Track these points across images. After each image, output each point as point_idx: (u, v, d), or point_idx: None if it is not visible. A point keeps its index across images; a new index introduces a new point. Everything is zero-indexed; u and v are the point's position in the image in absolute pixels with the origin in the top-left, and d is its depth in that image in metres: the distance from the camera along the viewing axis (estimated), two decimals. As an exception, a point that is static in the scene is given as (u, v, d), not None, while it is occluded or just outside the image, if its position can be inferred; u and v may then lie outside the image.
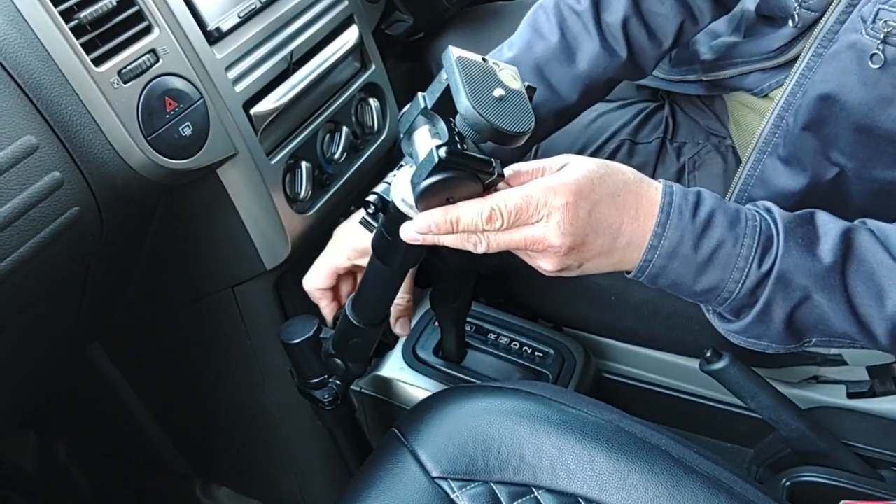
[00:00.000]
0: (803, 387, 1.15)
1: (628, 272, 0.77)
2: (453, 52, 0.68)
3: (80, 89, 0.82)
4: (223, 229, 1.01)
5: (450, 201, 0.72)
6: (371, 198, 0.79)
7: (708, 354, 1.03)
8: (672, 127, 1.23)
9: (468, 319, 1.18)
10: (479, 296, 1.31)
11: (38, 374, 1.10)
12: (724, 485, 0.82)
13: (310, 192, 1.04)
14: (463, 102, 0.65)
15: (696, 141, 1.21)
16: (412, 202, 0.72)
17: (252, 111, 0.96)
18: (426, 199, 0.71)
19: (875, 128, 0.84)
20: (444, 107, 0.69)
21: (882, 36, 0.80)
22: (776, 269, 0.72)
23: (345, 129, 1.11)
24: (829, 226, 0.74)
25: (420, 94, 0.72)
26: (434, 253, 0.98)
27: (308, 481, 1.33)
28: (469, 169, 0.69)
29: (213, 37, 0.93)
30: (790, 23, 0.96)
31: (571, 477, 0.84)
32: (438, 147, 0.68)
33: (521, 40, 1.03)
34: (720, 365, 1.02)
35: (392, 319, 0.98)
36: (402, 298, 0.97)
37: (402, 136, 0.75)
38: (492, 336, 1.19)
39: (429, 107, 0.71)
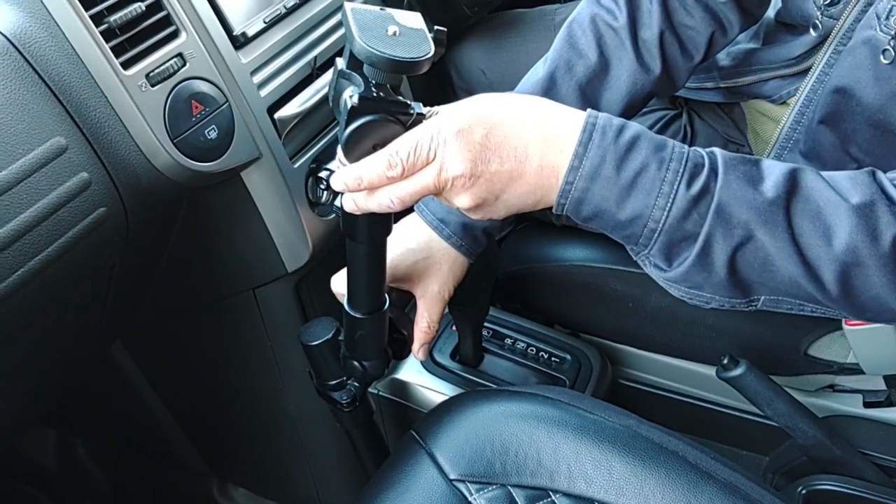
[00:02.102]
0: (819, 395, 1.15)
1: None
2: (346, 6, 0.70)
3: (109, 92, 0.83)
4: (246, 232, 1.02)
5: (376, 149, 0.72)
6: (323, 174, 0.79)
7: (725, 361, 1.03)
8: (690, 134, 1.23)
9: (485, 324, 1.18)
10: (495, 301, 1.32)
11: (61, 373, 1.12)
12: (740, 491, 0.81)
13: (331, 196, 1.06)
14: (355, 43, 0.66)
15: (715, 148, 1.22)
16: (345, 159, 0.73)
17: (276, 115, 0.97)
18: (351, 149, 0.71)
19: (889, 124, 0.83)
20: (357, 64, 0.70)
21: (894, 32, 0.80)
22: (715, 200, 0.69)
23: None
24: (773, 166, 0.71)
25: (336, 59, 0.74)
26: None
27: (325, 483, 1.34)
28: (384, 111, 0.70)
29: (239, 41, 0.94)
30: (812, 31, 0.96)
31: (589, 481, 0.84)
32: (351, 96, 0.69)
33: (559, 56, 1.02)
34: (737, 372, 1.02)
35: (416, 345, 0.96)
36: (429, 327, 0.95)
37: (331, 105, 0.76)
38: (508, 341, 1.20)
39: (344, 68, 0.72)
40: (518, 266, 1.25)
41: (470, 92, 1.24)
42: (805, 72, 1.00)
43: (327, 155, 1.05)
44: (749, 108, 1.16)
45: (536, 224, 1.27)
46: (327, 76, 1.04)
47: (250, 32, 0.95)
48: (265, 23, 0.97)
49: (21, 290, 0.77)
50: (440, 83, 1.50)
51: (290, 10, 1.01)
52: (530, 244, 1.26)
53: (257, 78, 0.96)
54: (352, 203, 0.75)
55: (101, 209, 0.83)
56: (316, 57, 1.03)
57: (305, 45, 1.03)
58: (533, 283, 1.26)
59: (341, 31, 1.08)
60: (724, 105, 1.23)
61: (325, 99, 1.03)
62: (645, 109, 1.29)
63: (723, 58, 1.14)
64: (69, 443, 1.51)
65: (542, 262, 1.23)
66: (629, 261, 1.13)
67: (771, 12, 1.09)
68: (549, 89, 1.00)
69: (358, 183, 0.72)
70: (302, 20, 1.02)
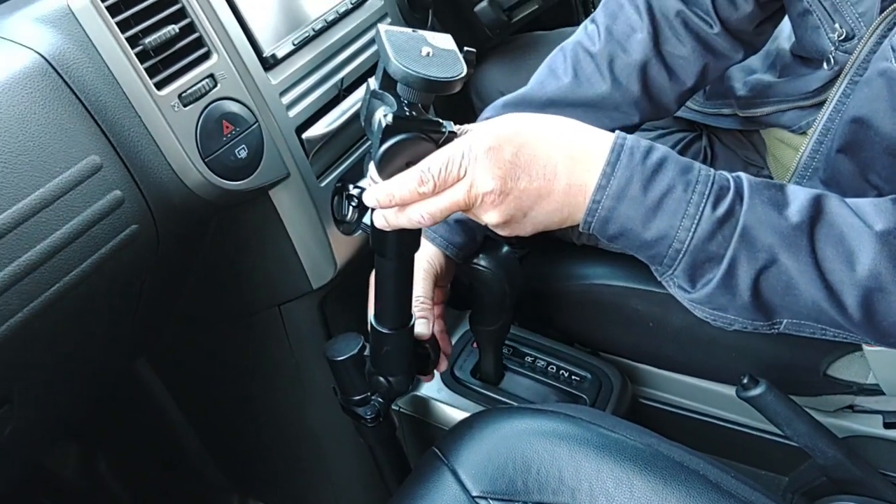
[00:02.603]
0: (839, 416, 1.15)
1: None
2: (381, 28, 0.72)
3: (143, 112, 0.85)
4: (273, 249, 1.04)
5: (409, 167, 0.74)
6: (354, 191, 0.80)
7: (745, 381, 1.03)
8: (710, 157, 1.24)
9: (505, 342, 1.19)
10: (515, 319, 1.33)
11: (88, 387, 1.13)
12: (761, 510, 0.82)
13: (356, 215, 1.07)
14: (391, 64, 0.68)
15: (734, 171, 1.22)
16: (377, 177, 0.75)
17: (304, 135, 0.99)
18: (384, 167, 0.73)
19: None
20: (390, 84, 0.72)
21: None
22: (740, 223, 0.69)
23: (369, 155, 1.13)
24: (798, 192, 0.72)
25: (369, 80, 0.76)
26: (475, 276, 1.01)
27: (346, 499, 1.35)
28: (417, 129, 0.72)
29: (269, 63, 0.96)
30: (825, 65, 0.97)
31: (610, 499, 0.84)
32: (385, 115, 0.71)
33: (536, 79, 1.05)
34: (757, 391, 1.02)
35: (417, 326, 0.95)
36: (418, 299, 0.96)
37: (363, 125, 0.77)
38: (529, 359, 1.20)
39: (377, 88, 0.74)
40: (539, 285, 1.26)
41: (489, 113, 1.26)
42: (822, 103, 1.01)
43: (353, 174, 1.07)
44: (768, 135, 1.16)
45: (557, 243, 1.28)
46: (354, 97, 1.06)
47: (280, 54, 0.97)
48: (294, 45, 0.99)
49: (56, 305, 0.79)
50: (460, 104, 1.51)
51: (318, 33, 1.03)
52: (551, 263, 1.27)
53: (286, 99, 0.98)
54: (382, 219, 0.76)
55: (134, 226, 0.85)
56: (343, 79, 1.05)
57: (332, 66, 1.05)
58: (553, 302, 1.27)
59: (367, 54, 1.10)
60: (743, 130, 1.24)
61: (351, 119, 1.05)
62: (664, 131, 1.30)
63: (739, 87, 1.15)
64: (91, 456, 1.52)
65: (562, 280, 1.24)
66: (650, 280, 1.14)
67: (786, 44, 1.09)
68: (518, 104, 1.03)
69: (390, 199, 0.73)
70: (329, 42, 1.04)
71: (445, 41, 0.73)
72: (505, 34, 1.47)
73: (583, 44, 1.04)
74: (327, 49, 1.04)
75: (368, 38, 1.10)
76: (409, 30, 0.73)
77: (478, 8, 1.38)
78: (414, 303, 0.94)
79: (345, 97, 1.06)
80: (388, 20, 1.14)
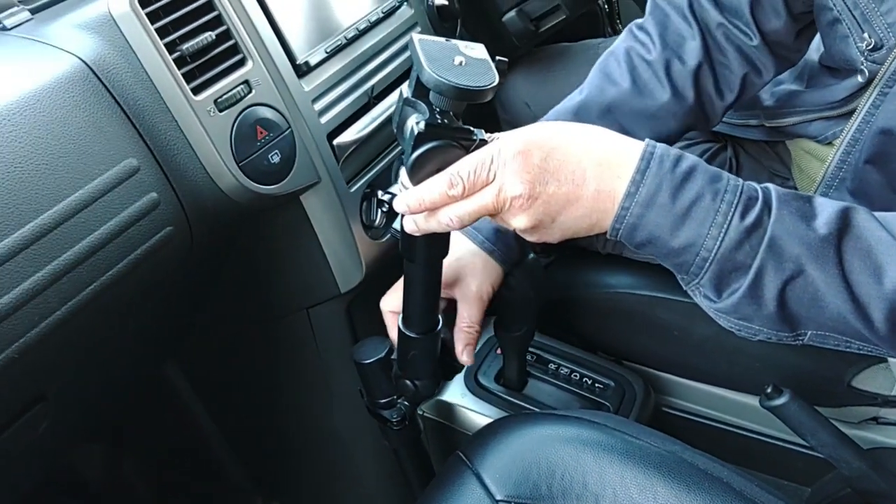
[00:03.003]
0: (863, 427, 1.15)
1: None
2: (415, 37, 0.73)
3: (179, 116, 0.87)
4: (302, 253, 1.05)
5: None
6: (385, 197, 0.81)
7: (769, 390, 1.03)
8: (736, 167, 1.25)
9: (529, 349, 1.19)
10: (539, 326, 1.33)
11: (119, 387, 1.15)
12: (785, 519, 0.82)
13: (384, 220, 1.09)
14: (424, 72, 0.70)
15: (760, 182, 1.22)
16: (408, 183, 0.76)
17: (335, 141, 1.01)
18: (416, 173, 0.74)
19: None
20: (423, 92, 0.74)
21: None
22: (768, 233, 0.70)
23: (400, 161, 1.14)
24: (826, 204, 0.72)
25: (401, 87, 0.77)
26: (501, 282, 1.02)
27: (370, 502, 1.36)
28: (448, 137, 0.73)
29: (302, 70, 0.98)
30: (859, 77, 0.97)
31: (634, 505, 0.85)
32: (417, 123, 0.72)
33: (592, 85, 1.05)
34: (781, 401, 1.02)
35: (458, 346, 0.99)
36: (470, 327, 0.98)
37: (395, 132, 0.79)
38: (552, 366, 1.21)
39: (409, 96, 0.75)
40: (563, 292, 1.27)
41: (514, 124, 1.27)
42: (849, 114, 1.01)
43: (382, 180, 1.08)
44: (794, 146, 1.16)
45: (581, 251, 1.29)
46: (384, 104, 1.08)
47: (313, 62, 0.99)
48: (326, 53, 1.01)
49: (92, 304, 0.81)
50: (485, 114, 1.53)
51: (350, 41, 1.04)
52: (575, 271, 1.28)
53: (318, 105, 0.99)
54: (412, 224, 0.78)
55: (169, 228, 0.87)
56: (373, 86, 1.07)
57: (363, 74, 1.06)
58: (577, 310, 1.27)
59: (397, 62, 1.11)
60: (768, 141, 1.24)
61: (380, 126, 1.06)
62: (690, 141, 1.30)
63: (766, 98, 1.15)
64: (116, 457, 1.54)
65: (587, 289, 1.25)
66: (675, 290, 1.14)
67: (814, 55, 1.09)
68: (579, 112, 1.03)
69: (419, 203, 0.74)
70: (361, 50, 1.06)
71: (478, 50, 0.75)
72: (532, 44, 1.48)
73: (636, 50, 1.03)
74: (359, 57, 1.06)
75: (399, 47, 1.12)
76: (443, 39, 0.75)
77: (506, 17, 1.39)
78: (464, 328, 0.96)
79: (375, 104, 1.07)
80: (418, 29, 1.16)
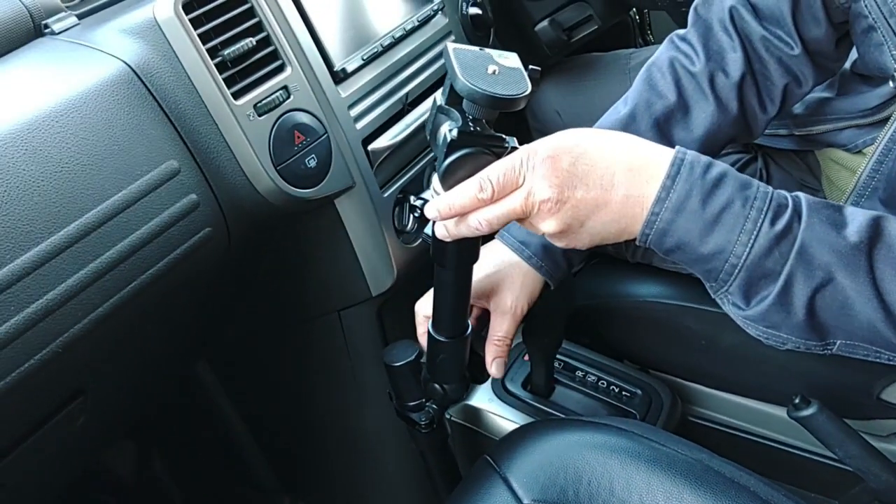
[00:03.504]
0: (892, 440, 1.14)
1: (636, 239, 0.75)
2: (449, 46, 0.75)
3: (220, 120, 0.89)
4: (335, 256, 1.07)
5: None
6: (417, 202, 0.82)
7: (796, 401, 1.03)
8: (766, 178, 1.25)
9: (557, 356, 1.20)
10: (567, 334, 1.34)
11: (153, 385, 1.17)
12: (812, 529, 0.82)
13: (416, 225, 1.10)
14: (458, 80, 0.71)
15: (791, 192, 1.22)
16: (440, 189, 0.77)
17: (370, 147, 1.03)
18: (448, 179, 0.76)
19: None
20: (456, 100, 0.75)
21: None
22: (798, 240, 0.70)
23: (433, 168, 1.16)
24: (856, 213, 0.72)
25: (435, 95, 0.79)
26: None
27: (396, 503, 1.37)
28: (480, 144, 0.74)
29: (339, 77, 1.00)
30: (892, 84, 0.97)
31: (660, 512, 0.85)
32: (450, 130, 0.74)
33: (638, 97, 1.05)
34: (809, 412, 1.01)
35: (489, 359, 0.99)
36: (501, 340, 0.98)
37: (428, 138, 0.80)
38: (579, 373, 1.21)
39: (443, 104, 0.76)
40: (591, 300, 1.27)
41: (544, 132, 1.27)
42: (881, 122, 1.00)
43: (415, 185, 1.10)
44: (823, 156, 1.16)
45: (610, 260, 1.29)
46: (417, 111, 1.09)
47: (349, 68, 1.01)
48: (363, 60, 1.03)
49: (132, 302, 0.83)
50: (516, 123, 1.54)
51: (386, 49, 1.06)
52: (603, 279, 1.28)
53: (354, 111, 1.01)
54: (443, 229, 0.79)
55: (207, 229, 0.89)
56: (407, 93, 1.09)
57: (398, 81, 1.08)
58: (605, 318, 1.28)
59: (431, 70, 1.13)
60: (798, 151, 1.24)
61: (414, 133, 1.08)
62: (721, 153, 1.30)
63: (797, 106, 1.14)
64: (147, 455, 1.56)
65: (614, 297, 1.25)
66: (703, 299, 1.15)
67: (846, 63, 1.09)
68: (629, 125, 1.03)
69: (450, 208, 0.75)
70: (396, 58, 1.08)
71: (511, 60, 0.76)
72: (562, 54, 1.49)
73: (680, 61, 1.03)
74: (394, 65, 1.08)
75: (433, 55, 1.14)
76: (477, 48, 0.76)
77: (538, 27, 1.40)
78: (496, 341, 0.97)
79: (409, 111, 1.09)
80: (452, 38, 1.18)
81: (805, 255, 0.70)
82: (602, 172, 0.73)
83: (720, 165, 0.74)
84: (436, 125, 0.78)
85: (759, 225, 0.71)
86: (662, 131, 1.02)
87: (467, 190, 0.74)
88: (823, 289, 0.70)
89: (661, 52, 1.07)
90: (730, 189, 0.72)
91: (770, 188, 0.73)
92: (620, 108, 1.05)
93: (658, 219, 0.73)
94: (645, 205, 0.73)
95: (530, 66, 0.76)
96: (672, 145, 0.95)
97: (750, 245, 0.71)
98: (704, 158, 0.74)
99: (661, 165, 0.73)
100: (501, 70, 0.74)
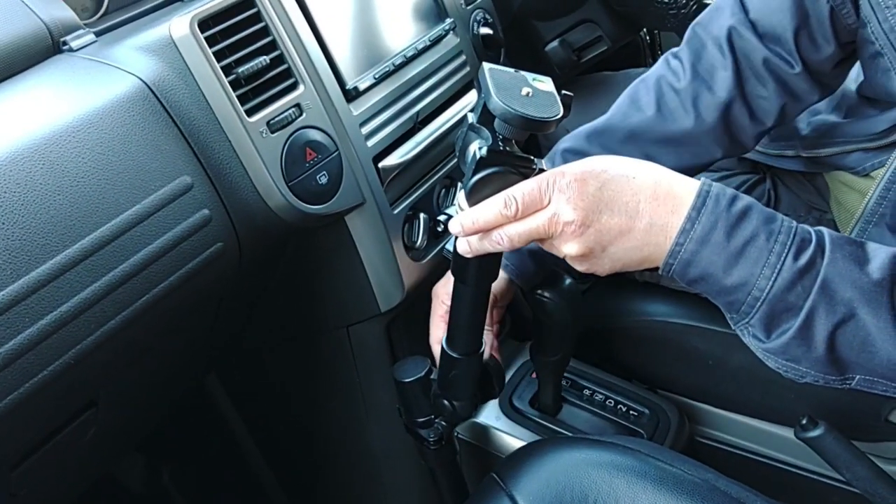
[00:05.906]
0: (900, 464, 1.14)
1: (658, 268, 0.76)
2: (485, 66, 0.76)
3: (233, 136, 0.90)
4: (345, 272, 1.08)
5: None
6: (441, 217, 0.83)
7: (804, 422, 1.02)
8: (774, 200, 1.25)
9: (564, 374, 1.20)
10: (575, 352, 1.34)
11: (163, 398, 1.18)
12: (818, 550, 0.82)
13: (425, 242, 1.11)
14: (492, 100, 0.72)
15: (798, 214, 1.22)
16: (466, 205, 0.78)
17: (380, 164, 1.03)
18: (474, 196, 0.77)
19: None
20: (488, 119, 0.76)
21: None
22: (821, 275, 0.70)
23: (459, 185, 1.17)
24: (879, 249, 0.72)
25: (467, 113, 0.80)
26: (538, 306, 1.03)
27: (403, 520, 1.37)
28: (509, 164, 0.75)
29: (351, 95, 1.01)
30: None
31: (666, 532, 0.85)
32: (480, 148, 0.75)
33: (617, 109, 1.07)
34: (816, 433, 1.01)
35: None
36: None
37: (457, 155, 0.81)
38: (587, 392, 1.21)
39: (475, 122, 0.78)
40: (599, 319, 1.28)
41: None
42: (889, 146, 1.01)
43: (424, 202, 1.11)
44: (832, 178, 1.16)
45: (618, 279, 1.30)
46: (428, 129, 1.10)
47: (361, 87, 1.02)
48: (375, 78, 1.04)
49: (144, 315, 0.83)
50: (526, 141, 1.54)
51: (398, 68, 1.07)
52: (612, 298, 1.28)
53: (365, 129, 1.02)
54: (465, 245, 0.80)
55: (219, 244, 0.90)
56: (418, 112, 1.10)
57: (409, 100, 1.09)
58: (613, 337, 1.28)
59: (442, 89, 1.14)
60: (806, 173, 1.24)
61: (424, 150, 1.09)
62: (728, 172, 1.31)
63: (804, 128, 1.15)
64: (156, 468, 1.57)
65: (623, 316, 1.25)
66: (711, 318, 1.15)
67: (853, 86, 1.09)
68: (602, 134, 1.05)
69: (474, 223, 0.76)
70: (407, 77, 1.09)
71: (546, 84, 0.77)
72: (573, 74, 1.50)
73: (667, 78, 1.05)
74: (405, 83, 1.09)
75: (444, 74, 1.15)
76: (512, 70, 0.77)
77: (549, 47, 1.41)
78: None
79: (420, 129, 1.10)
80: (464, 57, 1.19)
81: (827, 290, 0.70)
82: (628, 199, 0.73)
83: (745, 199, 0.74)
84: (466, 142, 0.79)
85: (782, 259, 0.71)
86: (635, 141, 1.04)
87: (492, 206, 0.75)
88: (845, 324, 0.71)
89: (653, 70, 1.09)
90: (755, 222, 0.72)
91: (794, 223, 0.74)
92: (599, 119, 1.08)
93: (682, 249, 0.73)
94: (669, 234, 0.73)
95: (563, 92, 0.77)
96: (646, 158, 0.96)
97: (773, 279, 0.71)
98: (730, 191, 0.74)
99: (686, 196, 0.74)
100: (535, 93, 0.75)
